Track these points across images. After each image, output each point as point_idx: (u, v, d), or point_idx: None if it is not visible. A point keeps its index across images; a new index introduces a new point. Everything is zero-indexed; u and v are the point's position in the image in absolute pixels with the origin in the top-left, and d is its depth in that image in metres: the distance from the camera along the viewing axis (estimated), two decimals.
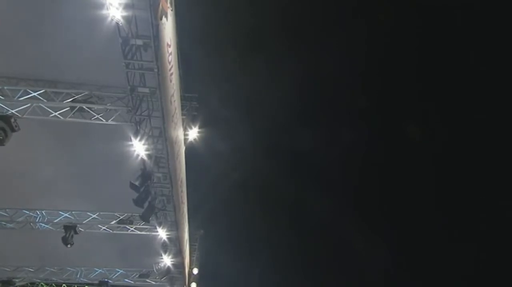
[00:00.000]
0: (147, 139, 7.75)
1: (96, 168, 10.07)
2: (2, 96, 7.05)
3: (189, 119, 10.45)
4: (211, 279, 17.04)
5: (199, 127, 10.44)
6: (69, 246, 10.28)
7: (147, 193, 8.91)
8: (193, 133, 10.41)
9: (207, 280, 16.58)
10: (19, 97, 7.04)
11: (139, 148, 7.47)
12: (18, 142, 8.93)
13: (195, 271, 14.61)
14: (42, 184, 10.41)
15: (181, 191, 10.49)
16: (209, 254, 17.26)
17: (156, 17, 5.82)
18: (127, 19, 5.56)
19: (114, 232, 11.05)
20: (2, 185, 10.27)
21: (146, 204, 9.30)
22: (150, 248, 12.22)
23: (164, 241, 11.12)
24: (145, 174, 8.47)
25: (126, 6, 5.46)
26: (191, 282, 14.38)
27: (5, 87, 7.10)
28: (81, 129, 8.48)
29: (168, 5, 6.53)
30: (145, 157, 7.71)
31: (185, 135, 10.39)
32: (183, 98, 10.30)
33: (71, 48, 7.08)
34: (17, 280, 13.29)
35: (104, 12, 5.38)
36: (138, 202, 8.69)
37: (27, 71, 7.37)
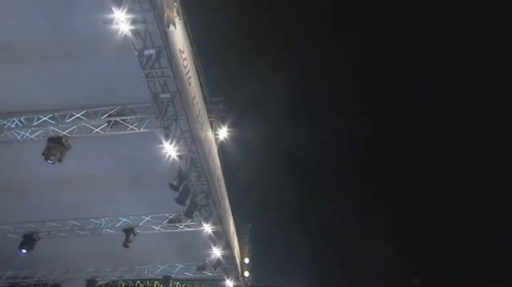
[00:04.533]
0: (177, 141, 8.39)
1: (144, 175, 11.10)
2: (53, 121, 8.19)
3: (219, 120, 11.06)
4: (264, 266, 17.67)
5: (228, 127, 11.03)
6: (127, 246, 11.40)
7: (186, 192, 9.63)
8: (223, 133, 10.97)
9: (261, 267, 17.35)
10: (66, 120, 8.10)
11: (170, 150, 8.13)
12: (73, 160, 10.40)
13: (247, 260, 15.32)
14: (102, 195, 11.77)
15: (219, 187, 11.10)
16: (259, 244, 18.01)
17: (163, 25, 6.34)
18: (136, 31, 6.13)
19: (167, 231, 12.04)
20: (71, 199, 11.84)
21: (188, 202, 10.10)
22: (203, 242, 13.12)
23: (212, 235, 11.87)
24: (181, 174, 9.17)
25: (134, 20, 6.03)
26: (244, 271, 15.09)
27: (56, 114, 8.23)
28: (124, 140, 9.50)
29: (175, 14, 7.04)
30: (176, 158, 8.35)
31: (216, 135, 10.99)
32: (210, 103, 10.96)
33: (101, 73, 8.03)
34: (98, 279, 15.13)
35: (114, 27, 5.98)
36: (179, 201, 9.45)
37: (71, 99, 8.50)
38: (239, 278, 15.17)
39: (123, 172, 11.12)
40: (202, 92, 10.86)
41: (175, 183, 8.88)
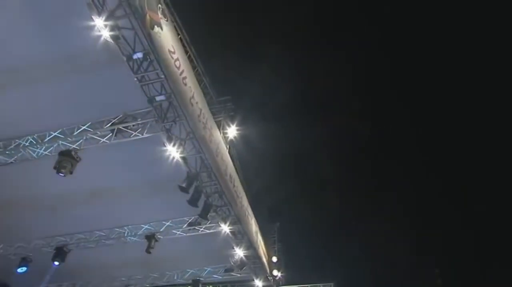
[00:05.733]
0: (183, 143, 8.39)
1: (161, 180, 11.26)
2: (62, 135, 8.51)
3: (228, 119, 10.99)
4: (296, 265, 17.35)
5: (238, 125, 10.93)
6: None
7: (198, 193, 9.62)
8: (232, 131, 10.88)
9: (293, 266, 17.07)
10: (74, 133, 8.39)
11: (173, 152, 8.14)
12: (94, 173, 10.82)
13: (274, 259, 15.07)
14: (124, 204, 12.11)
15: (233, 186, 10.98)
16: (289, 242, 17.73)
17: (146, 28, 6.35)
18: (118, 37, 6.19)
19: (189, 234, 12.12)
20: (96, 211, 12.29)
21: (201, 203, 10.09)
22: (229, 244, 13.08)
23: (233, 235, 11.78)
24: (190, 176, 9.17)
25: (116, 26, 6.08)
26: (273, 270, 14.84)
27: (64, 128, 8.56)
28: (138, 148, 9.70)
29: (160, 15, 7.05)
30: (180, 160, 8.35)
31: (225, 133, 10.92)
32: (217, 102, 10.93)
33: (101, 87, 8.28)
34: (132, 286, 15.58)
35: (97, 34, 6.07)
36: (191, 202, 9.46)
37: (76, 113, 8.82)
38: (269, 277, 14.95)
39: (141, 179, 11.36)
40: (209, 92, 10.94)
41: (184, 185, 8.89)
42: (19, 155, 8.70)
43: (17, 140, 8.70)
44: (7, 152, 8.65)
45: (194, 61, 10.05)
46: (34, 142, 8.60)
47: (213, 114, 11.12)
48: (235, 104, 11.10)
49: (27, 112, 8.72)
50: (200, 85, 10.65)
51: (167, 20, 7.25)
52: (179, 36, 9.09)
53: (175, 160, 8.36)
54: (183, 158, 8.50)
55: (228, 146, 11.17)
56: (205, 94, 10.98)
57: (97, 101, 8.67)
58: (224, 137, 10.86)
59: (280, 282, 16.31)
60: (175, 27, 8.87)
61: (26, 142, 8.58)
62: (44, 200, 11.83)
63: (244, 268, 13.06)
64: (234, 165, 12.94)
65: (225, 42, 14.65)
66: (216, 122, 10.94)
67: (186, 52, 9.49)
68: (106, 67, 7.88)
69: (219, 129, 10.57)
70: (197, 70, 10.17)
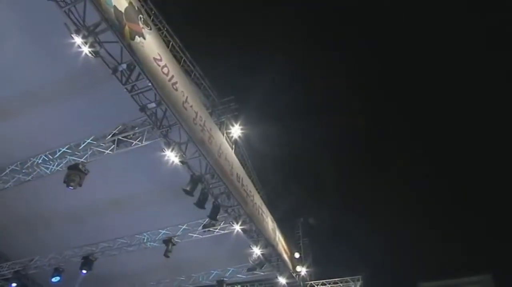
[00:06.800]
0: (180, 147, 8.53)
1: (173, 187, 11.52)
2: (70, 150, 8.97)
3: (231, 119, 11.04)
4: (324, 258, 17.09)
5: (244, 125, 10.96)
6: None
7: (204, 195, 9.73)
8: (236, 131, 10.91)
9: (321, 261, 16.85)
10: (79, 148, 8.81)
11: (172, 157, 8.29)
12: (109, 182, 11.31)
13: (297, 255, 14.89)
14: (141, 212, 12.54)
15: (242, 185, 10.98)
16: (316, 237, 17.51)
17: (125, 39, 6.52)
18: (98, 53, 6.39)
19: (204, 236, 12.31)
20: (117, 219, 12.84)
21: (210, 205, 10.20)
22: (246, 243, 13.13)
23: (248, 234, 11.79)
24: (194, 179, 9.29)
25: (97, 41, 6.30)
26: (295, 266, 14.68)
27: (71, 144, 9.01)
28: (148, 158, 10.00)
29: (142, 25, 7.21)
30: (179, 164, 8.48)
31: (228, 133, 10.96)
32: (220, 103, 11.02)
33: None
34: None
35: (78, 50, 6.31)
36: (198, 205, 9.58)
37: (81, 129, 9.28)
38: (293, 274, 14.80)
39: (156, 187, 11.76)
40: (210, 94, 11.04)
41: (188, 188, 9.02)
42: (34, 173, 9.26)
43: (31, 159, 9.28)
44: (24, 171, 9.23)
45: (190, 65, 10.20)
46: (47, 159, 9.12)
47: (218, 115, 11.25)
48: (239, 105, 11.16)
49: (38, 131, 9.30)
50: (200, 88, 10.84)
51: (150, 29, 7.38)
52: (171, 43, 9.30)
53: (174, 164, 8.48)
54: (182, 162, 8.60)
55: (233, 146, 11.21)
56: (207, 96, 11.13)
57: (99, 114, 9.07)
58: (228, 137, 10.92)
59: (308, 278, 16.14)
60: (165, 34, 9.08)
61: (39, 159, 9.12)
62: (67, 213, 12.59)
63: (264, 266, 13.03)
64: (245, 163, 13.01)
65: (228, 45, 14.75)
66: (220, 122, 11.05)
67: (181, 57, 9.69)
68: (105, 82, 8.19)
69: (223, 130, 10.64)
70: (194, 73, 10.32)
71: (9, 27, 7.80)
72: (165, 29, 8.95)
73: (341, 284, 15.80)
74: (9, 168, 9.50)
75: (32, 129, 9.27)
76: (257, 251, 12.24)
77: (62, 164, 9.10)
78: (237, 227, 11.08)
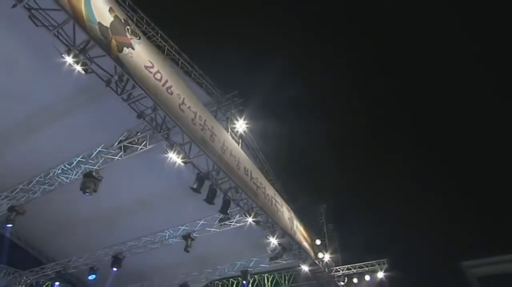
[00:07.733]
0: (182, 147, 8.86)
1: (187, 184, 12.02)
2: (84, 159, 9.61)
3: (237, 114, 11.21)
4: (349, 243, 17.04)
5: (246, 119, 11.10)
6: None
7: (213, 191, 10.05)
8: (241, 126, 11.06)
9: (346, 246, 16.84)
10: (92, 157, 9.41)
11: (174, 158, 8.63)
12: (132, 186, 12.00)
13: (318, 242, 14.94)
14: (162, 210, 13.17)
15: (251, 179, 11.16)
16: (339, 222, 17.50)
17: (113, 52, 6.84)
18: (89, 69, 6.77)
19: (221, 230, 12.73)
20: (141, 218, 13.59)
21: (220, 201, 10.52)
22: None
23: (261, 225, 12.04)
24: (200, 176, 9.62)
25: (87, 57, 6.67)
26: (317, 252, 14.77)
27: (84, 153, 9.65)
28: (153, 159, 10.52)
29: (130, 36, 7.50)
30: (182, 164, 8.80)
31: (232, 128, 11.15)
32: (225, 99, 11.22)
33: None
34: (189, 283, 16.89)
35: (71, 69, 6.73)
36: (207, 201, 9.92)
37: (92, 139, 9.90)
38: (315, 261, 14.92)
39: (174, 186, 12.27)
40: (213, 92, 11.25)
41: (195, 186, 9.36)
42: (56, 183, 10.03)
43: (53, 169, 10.05)
44: (47, 181, 10.04)
45: (189, 67, 10.45)
46: (65, 169, 9.84)
47: (224, 111, 11.46)
48: (244, 99, 11.28)
49: (55, 144, 10.03)
50: (202, 87, 11.08)
51: (139, 39, 7.66)
52: (166, 47, 9.57)
53: (177, 164, 8.83)
54: (185, 163, 8.92)
55: (240, 140, 11.39)
56: (210, 94, 11.36)
57: (106, 123, 9.58)
58: (233, 131, 11.10)
59: (333, 264, 16.20)
60: (159, 40, 9.36)
61: (59, 170, 9.87)
62: (96, 215, 13.49)
63: (283, 255, 13.24)
64: (256, 155, 13.18)
65: (230, 43, 14.87)
66: (226, 118, 11.24)
67: (178, 59, 9.95)
68: (110, 92, 8.60)
69: (229, 125, 10.83)
70: (194, 74, 10.56)
71: (20, 52, 8.41)
72: (159, 35, 9.20)
73: (366, 268, 15.71)
74: (35, 179, 10.33)
75: (50, 142, 10.00)
76: (273, 241, 12.46)
77: (79, 173, 9.77)
78: (249, 220, 11.33)
